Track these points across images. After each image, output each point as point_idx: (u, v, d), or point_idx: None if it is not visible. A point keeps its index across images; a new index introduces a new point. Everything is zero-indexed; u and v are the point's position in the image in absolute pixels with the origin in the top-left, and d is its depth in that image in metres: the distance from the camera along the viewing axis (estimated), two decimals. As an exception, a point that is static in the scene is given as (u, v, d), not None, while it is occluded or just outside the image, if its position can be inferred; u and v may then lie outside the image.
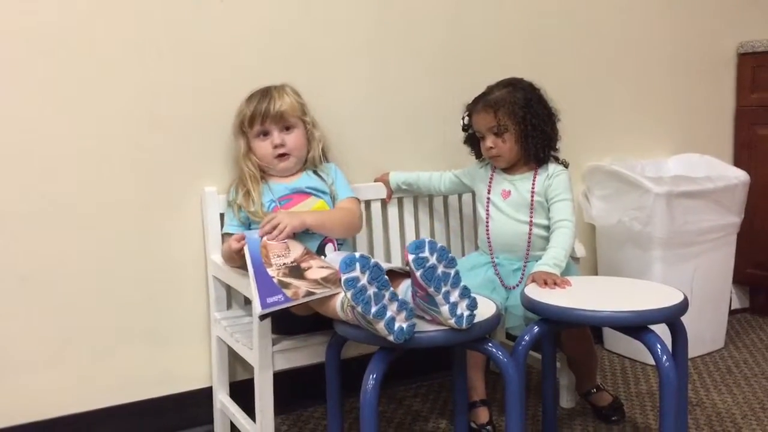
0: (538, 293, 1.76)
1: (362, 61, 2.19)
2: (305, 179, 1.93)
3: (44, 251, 1.84)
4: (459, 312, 1.48)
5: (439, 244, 1.47)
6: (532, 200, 1.99)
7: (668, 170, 2.67)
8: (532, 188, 1.99)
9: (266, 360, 1.71)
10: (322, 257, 1.79)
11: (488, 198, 2.05)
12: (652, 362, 1.66)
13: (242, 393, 1.95)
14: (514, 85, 1.99)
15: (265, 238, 1.72)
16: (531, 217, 1.99)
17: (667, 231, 2.33)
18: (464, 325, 1.49)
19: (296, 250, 1.72)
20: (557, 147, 2.02)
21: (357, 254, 1.43)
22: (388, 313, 1.43)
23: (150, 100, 1.91)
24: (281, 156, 1.90)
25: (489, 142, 1.98)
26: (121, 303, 1.93)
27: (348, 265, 1.41)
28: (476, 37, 2.35)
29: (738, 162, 2.84)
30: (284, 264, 1.66)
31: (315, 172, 1.96)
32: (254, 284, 1.61)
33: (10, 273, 1.81)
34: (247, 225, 1.90)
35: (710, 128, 2.89)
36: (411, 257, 1.44)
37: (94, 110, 1.86)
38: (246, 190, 1.89)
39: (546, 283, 1.81)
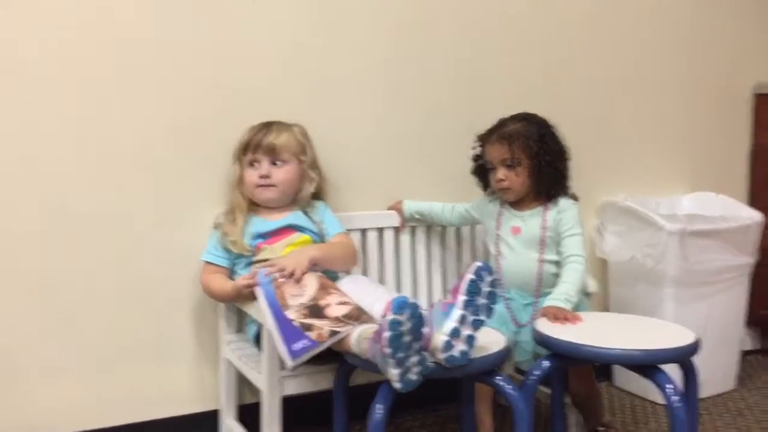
0: (549, 328, 1.76)
1: (376, 86, 2.20)
2: (292, 218, 1.93)
3: (54, 266, 1.85)
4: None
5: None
6: (543, 236, 1.98)
7: (683, 208, 2.66)
8: (543, 224, 1.98)
9: (275, 385, 1.70)
10: (337, 285, 1.79)
11: (497, 234, 2.04)
12: (663, 401, 1.64)
13: (249, 417, 1.94)
14: (528, 119, 1.99)
15: (277, 276, 1.71)
16: (542, 253, 1.98)
17: (680, 269, 2.32)
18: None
19: (311, 285, 1.70)
20: (568, 185, 2.02)
21: (410, 300, 1.44)
22: (407, 363, 1.45)
23: (166, 120, 1.94)
24: (264, 186, 1.90)
25: (500, 174, 1.97)
26: (129, 321, 1.94)
27: (401, 307, 1.42)
28: (490, 68, 2.36)
29: (753, 202, 2.83)
30: (301, 304, 1.65)
31: (305, 213, 1.96)
32: (277, 332, 1.60)
33: (19, 286, 1.82)
34: (230, 258, 1.89)
35: (726, 167, 2.89)
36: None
37: (111, 127, 1.89)
38: (233, 217, 1.90)
39: (557, 318, 1.80)
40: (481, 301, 1.55)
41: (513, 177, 1.96)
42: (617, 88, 2.61)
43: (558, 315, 1.81)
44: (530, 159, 1.94)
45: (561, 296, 1.87)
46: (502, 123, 2.01)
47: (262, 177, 1.90)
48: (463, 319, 1.52)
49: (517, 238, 2.00)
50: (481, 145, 2.03)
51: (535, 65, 2.44)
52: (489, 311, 1.57)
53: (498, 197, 2.06)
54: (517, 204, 2.03)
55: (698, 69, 2.77)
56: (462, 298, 1.53)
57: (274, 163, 1.91)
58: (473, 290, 1.54)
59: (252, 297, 1.73)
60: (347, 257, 1.93)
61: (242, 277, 1.79)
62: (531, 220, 2.00)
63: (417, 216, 2.19)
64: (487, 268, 1.57)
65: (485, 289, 1.56)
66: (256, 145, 1.90)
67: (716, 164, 2.85)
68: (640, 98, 2.66)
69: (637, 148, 2.67)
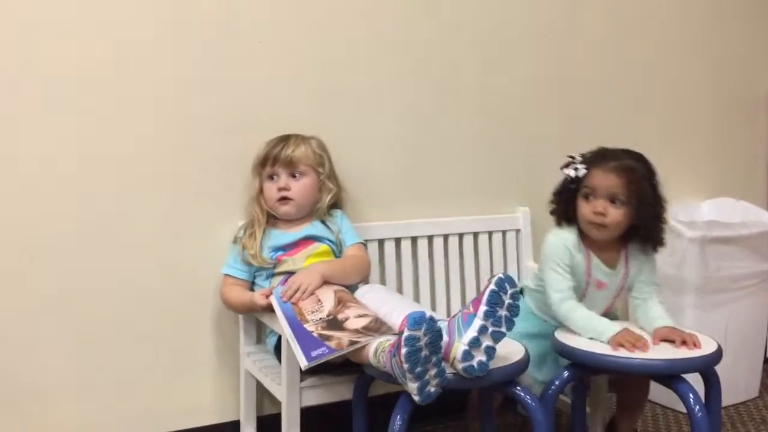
0: (568, 338, 1.75)
1: (394, 98, 2.20)
2: (311, 229, 1.94)
3: (72, 283, 1.86)
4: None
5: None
6: (621, 288, 1.89)
7: (702, 215, 2.64)
8: (625, 277, 1.87)
9: (294, 396, 1.71)
10: (356, 297, 1.80)
11: (589, 276, 1.85)
12: (685, 410, 1.63)
13: (269, 427, 1.95)
14: (640, 159, 1.84)
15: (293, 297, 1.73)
16: (615, 300, 1.91)
17: (700, 276, 2.30)
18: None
19: (328, 300, 1.71)
20: (664, 241, 1.87)
21: (427, 314, 1.44)
22: (426, 377, 1.46)
23: (183, 136, 1.95)
24: (283, 200, 1.91)
25: (601, 206, 1.78)
26: (149, 332, 1.95)
27: (416, 323, 1.42)
28: (506, 81, 2.36)
29: (773, 207, 2.80)
30: (320, 319, 1.66)
31: (322, 222, 1.97)
32: (295, 342, 1.61)
33: (36, 305, 1.83)
34: (250, 271, 1.91)
35: (745, 173, 2.86)
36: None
37: (126, 146, 1.90)
38: (252, 231, 1.91)
39: (679, 338, 1.73)
40: (502, 312, 1.55)
41: (614, 213, 1.79)
42: (634, 94, 2.60)
43: (680, 336, 1.73)
44: (638, 201, 1.78)
45: (672, 320, 1.80)
46: (615, 154, 1.83)
47: (280, 189, 1.91)
48: (483, 330, 1.52)
49: (602, 292, 1.88)
50: (587, 168, 1.82)
51: (554, 73, 2.43)
52: (509, 323, 1.56)
53: (574, 236, 1.85)
54: (602, 250, 1.86)
55: (716, 74, 2.75)
56: (483, 308, 1.53)
57: (293, 176, 1.92)
58: (495, 301, 1.54)
59: (270, 309, 1.74)
60: (359, 271, 1.92)
61: (259, 293, 1.80)
62: (616, 276, 1.87)
63: None
64: (509, 280, 1.56)
65: (507, 301, 1.55)
66: (274, 158, 1.91)
67: (736, 170, 2.83)
68: (659, 105, 2.65)
69: (656, 155, 2.59)
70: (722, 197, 2.70)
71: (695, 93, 2.71)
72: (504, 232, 2.33)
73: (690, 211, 2.62)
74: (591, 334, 1.76)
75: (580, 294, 1.86)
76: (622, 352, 1.66)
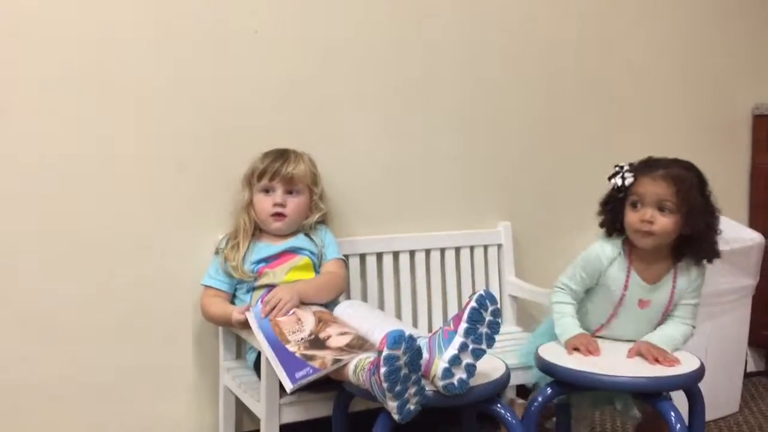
0: (552, 355, 1.74)
1: (378, 113, 2.20)
2: (294, 241, 1.93)
3: (52, 294, 1.84)
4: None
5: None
6: (668, 306, 1.81)
7: (683, 230, 2.64)
8: (671, 293, 1.80)
9: (273, 413, 1.69)
10: (334, 314, 1.78)
11: (623, 295, 1.80)
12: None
13: (248, 445, 1.92)
14: (691, 169, 1.79)
15: (272, 315, 1.72)
16: (660, 320, 1.82)
17: (682, 292, 2.29)
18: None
19: (308, 320, 1.71)
20: (719, 252, 1.81)
21: (407, 332, 1.43)
22: (405, 396, 1.44)
23: (169, 143, 1.94)
24: (277, 215, 1.90)
25: (648, 214, 1.72)
26: (129, 349, 1.92)
27: (395, 342, 1.41)
28: (496, 95, 2.36)
29: (753, 223, 2.82)
30: (302, 339, 1.65)
31: (306, 235, 1.96)
32: (277, 363, 1.59)
33: (15, 314, 1.81)
34: (231, 282, 1.89)
35: (725, 189, 2.83)
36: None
37: (110, 160, 1.89)
38: (236, 242, 1.89)
39: (651, 356, 1.70)
40: (483, 330, 1.54)
41: (662, 221, 1.73)
42: (616, 108, 2.60)
43: (654, 354, 1.70)
44: (688, 210, 1.72)
45: (666, 339, 1.75)
46: (664, 162, 1.78)
47: (276, 205, 1.89)
48: (464, 348, 1.51)
49: (644, 311, 1.81)
50: (634, 176, 1.78)
51: (538, 86, 2.44)
52: (490, 341, 1.55)
53: (616, 248, 1.81)
54: (645, 267, 1.79)
55: (697, 90, 2.77)
56: (464, 326, 1.52)
57: (289, 192, 1.90)
58: (475, 318, 1.52)
59: (246, 326, 1.73)
60: (334, 289, 1.90)
61: (237, 310, 1.78)
62: (660, 292, 1.80)
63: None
64: (489, 297, 1.55)
65: (487, 318, 1.54)
66: (274, 173, 1.89)
67: (716, 186, 2.79)
68: (639, 120, 2.65)
69: (637, 170, 2.66)
70: (703, 213, 2.71)
71: (677, 110, 2.72)
72: (486, 247, 2.33)
73: (671, 226, 2.62)
74: (557, 330, 1.81)
75: (613, 307, 1.81)
76: (604, 369, 1.65)
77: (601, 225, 1.85)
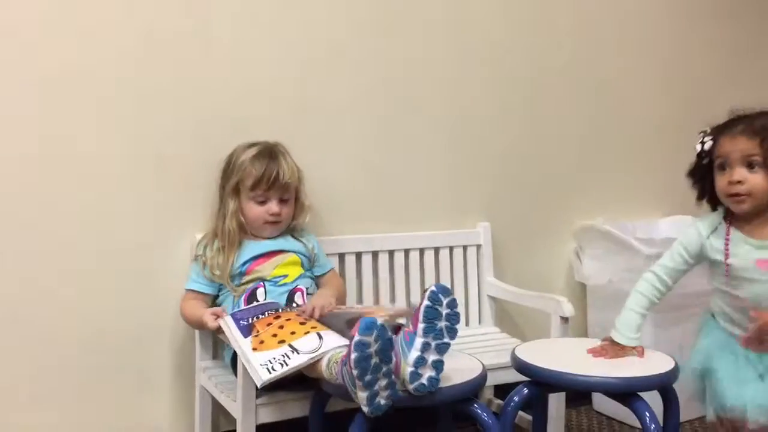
0: (528, 355, 1.74)
1: (360, 115, 2.21)
2: (282, 242, 1.93)
3: (32, 293, 1.84)
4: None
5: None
6: None
7: (660, 232, 2.67)
8: None
9: (250, 413, 1.68)
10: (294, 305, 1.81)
11: (728, 265, 1.64)
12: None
13: (224, 445, 1.92)
14: None
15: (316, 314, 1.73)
16: None
17: (659, 293, 2.31)
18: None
19: (288, 323, 1.70)
20: None
21: (379, 321, 1.43)
22: (375, 387, 1.44)
23: (149, 142, 1.93)
24: (272, 223, 1.90)
25: (737, 174, 1.58)
26: (108, 349, 1.92)
27: (367, 328, 1.42)
28: (477, 97, 2.38)
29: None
30: (275, 336, 1.65)
31: (293, 236, 1.96)
32: (249, 359, 1.60)
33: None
34: (214, 285, 1.88)
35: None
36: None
37: (90, 159, 1.88)
38: (221, 246, 1.87)
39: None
40: (442, 324, 1.53)
41: (753, 179, 1.58)
42: (597, 112, 2.62)
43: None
44: None
45: None
46: (747, 116, 1.64)
47: (273, 215, 1.88)
48: (426, 347, 1.51)
49: None
50: (713, 139, 1.65)
51: (521, 89, 2.45)
52: (452, 332, 1.54)
53: (716, 218, 1.68)
54: (752, 226, 1.62)
55: (673, 94, 2.80)
56: (421, 325, 1.52)
57: (282, 199, 1.90)
58: (431, 316, 1.52)
59: (219, 332, 1.73)
60: (344, 295, 2.04)
61: (210, 312, 1.78)
62: None
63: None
64: (442, 290, 1.54)
65: (444, 311, 1.54)
66: (270, 183, 1.86)
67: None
68: (619, 123, 2.68)
69: (615, 173, 2.68)
70: (680, 215, 2.73)
71: (654, 112, 2.75)
72: (465, 247, 2.33)
73: (648, 229, 2.65)
74: (617, 318, 1.77)
75: (723, 281, 1.67)
76: (577, 369, 1.66)
77: (698, 198, 1.72)
